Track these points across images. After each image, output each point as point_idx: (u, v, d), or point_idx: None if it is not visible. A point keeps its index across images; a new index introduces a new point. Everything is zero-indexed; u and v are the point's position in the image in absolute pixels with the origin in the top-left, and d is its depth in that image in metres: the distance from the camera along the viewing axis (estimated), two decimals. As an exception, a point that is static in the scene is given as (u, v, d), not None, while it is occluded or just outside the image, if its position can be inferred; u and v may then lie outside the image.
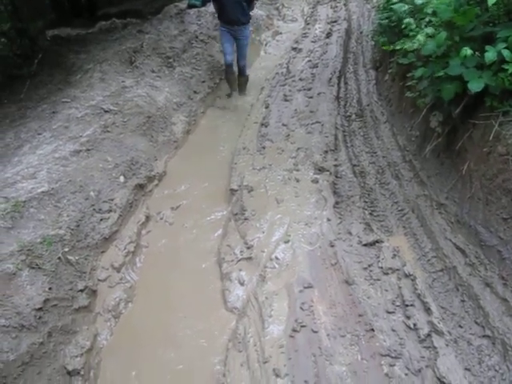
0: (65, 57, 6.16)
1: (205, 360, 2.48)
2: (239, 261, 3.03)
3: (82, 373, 2.38)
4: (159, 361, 2.53)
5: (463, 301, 2.52)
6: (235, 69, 5.94)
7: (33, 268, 2.57)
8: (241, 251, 3.09)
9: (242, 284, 2.87)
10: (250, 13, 5.83)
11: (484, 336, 2.29)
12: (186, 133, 5.07)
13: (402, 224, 3.32)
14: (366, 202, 3.60)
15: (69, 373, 2.34)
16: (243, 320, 2.59)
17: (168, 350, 2.58)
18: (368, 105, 5.23)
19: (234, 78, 5.94)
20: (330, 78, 5.84)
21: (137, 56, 6.00)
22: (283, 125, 4.77)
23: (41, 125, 4.57)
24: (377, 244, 3.03)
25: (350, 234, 3.13)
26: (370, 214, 3.45)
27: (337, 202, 3.49)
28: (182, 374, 2.43)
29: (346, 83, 5.90)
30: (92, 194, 3.48)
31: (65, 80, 5.66)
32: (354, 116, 5.08)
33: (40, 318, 2.36)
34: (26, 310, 2.32)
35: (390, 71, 4.80)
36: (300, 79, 5.97)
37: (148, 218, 3.69)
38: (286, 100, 5.39)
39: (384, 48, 4.74)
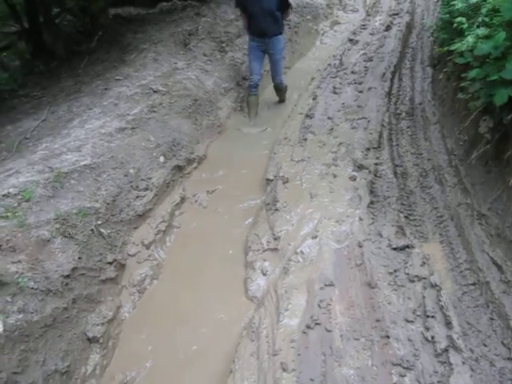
0: (123, 36, 6.34)
1: (218, 344, 2.52)
2: (265, 251, 3.03)
3: (101, 341, 2.49)
4: (175, 339, 2.59)
5: (492, 319, 2.39)
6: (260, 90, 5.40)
7: (66, 237, 2.70)
8: (267, 241, 3.09)
9: (264, 274, 2.87)
10: (284, 21, 5.32)
11: (509, 359, 2.16)
12: (230, 118, 5.11)
13: (438, 231, 3.17)
14: (403, 204, 3.47)
15: (88, 339, 2.46)
16: (260, 310, 2.60)
17: (185, 330, 2.64)
18: (420, 103, 5.01)
19: (256, 102, 5.25)
20: (384, 73, 5.64)
21: (191, 39, 6.08)
22: (328, 118, 4.68)
23: (92, 100, 4.76)
24: (407, 249, 2.93)
25: (381, 235, 3.04)
26: (406, 217, 3.33)
27: (372, 202, 3.39)
28: (195, 354, 2.49)
29: (400, 79, 5.69)
30: (131, 171, 3.59)
31: (120, 58, 5.85)
32: (403, 114, 4.89)
33: (67, 284, 2.48)
34: (55, 275, 2.45)
35: (445, 70, 4.56)
36: (352, 72, 5.81)
37: (183, 199, 3.76)
38: (335, 93, 5.28)
39: (438, 50, 4.52)
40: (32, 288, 2.29)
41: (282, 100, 5.63)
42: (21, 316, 2.13)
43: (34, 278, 2.34)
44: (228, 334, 2.58)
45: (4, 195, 2.85)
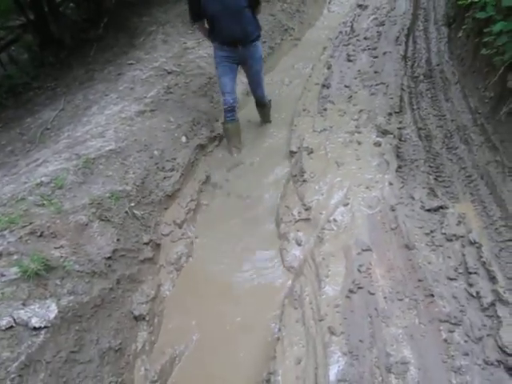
0: (129, 20, 6.28)
1: (261, 314, 2.55)
2: (297, 222, 3.05)
3: (147, 318, 2.54)
4: (218, 312, 2.64)
5: (532, 273, 2.38)
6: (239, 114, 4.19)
7: (102, 220, 2.73)
8: (299, 212, 3.09)
9: (299, 244, 2.89)
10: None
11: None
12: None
13: (469, 191, 3.15)
14: (430, 166, 3.44)
15: (135, 318, 2.51)
16: (300, 279, 2.63)
17: (226, 303, 2.68)
18: (438, 65, 4.91)
19: (237, 130, 4.08)
20: (398, 37, 5.53)
21: (198, 17, 5.99)
22: (345, 86, 4.62)
23: (107, 86, 4.75)
24: (441, 210, 2.91)
25: (413, 198, 3.02)
26: (435, 179, 3.30)
27: (399, 166, 3.37)
28: (239, 325, 2.53)
29: (414, 42, 5.57)
30: (156, 152, 3.60)
31: (129, 43, 5.80)
32: (421, 77, 4.80)
33: (109, 266, 2.53)
34: (97, 258, 2.49)
35: (464, 27, 4.45)
36: (365, 38, 5.71)
37: (208, 177, 3.77)
38: (350, 60, 5.20)
39: (459, 4, 4.38)
40: (78, 271, 2.33)
41: (266, 120, 4.47)
42: (72, 298, 2.18)
43: (79, 261, 2.39)
44: (269, 304, 2.61)
45: (37, 184, 2.89)
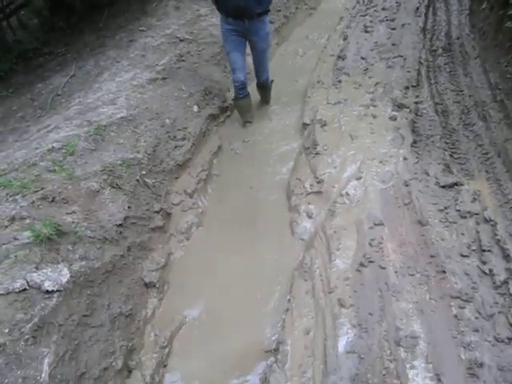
0: (141, -16, 6.12)
1: (270, 285, 2.55)
2: (308, 194, 3.01)
3: (157, 286, 2.56)
4: (227, 283, 2.64)
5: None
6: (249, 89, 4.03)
7: (114, 187, 2.73)
8: (311, 185, 3.06)
9: (310, 217, 2.87)
10: None
11: None
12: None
13: (484, 168, 3.09)
14: (446, 142, 3.38)
15: (146, 284, 2.53)
16: (310, 251, 2.62)
17: (235, 274, 2.68)
18: (458, 38, 4.76)
19: (249, 105, 4.01)
20: (417, 8, 5.35)
21: (212, -17, 5.82)
22: (362, 58, 4.51)
23: (119, 53, 4.68)
24: (455, 187, 2.87)
25: (427, 174, 2.97)
26: (451, 155, 3.24)
27: (415, 141, 3.31)
28: (249, 296, 2.54)
29: (434, 14, 5.39)
30: (167, 121, 3.56)
31: (141, 9, 5.68)
32: (440, 50, 4.66)
33: (121, 233, 2.53)
34: (109, 224, 2.49)
35: (488, -1, 4.29)
36: (383, 9, 5.53)
37: (220, 147, 3.74)
38: (367, 31, 5.05)
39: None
40: (89, 237, 2.34)
41: (266, 101, 4.31)
42: (83, 263, 2.19)
43: (90, 227, 2.39)
44: (278, 276, 2.60)
45: (49, 150, 2.87)
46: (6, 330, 1.78)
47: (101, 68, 4.49)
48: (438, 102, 3.87)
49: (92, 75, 4.41)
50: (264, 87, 4.14)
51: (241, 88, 3.77)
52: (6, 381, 1.68)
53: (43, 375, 1.79)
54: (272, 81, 4.16)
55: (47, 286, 1.99)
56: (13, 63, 5.44)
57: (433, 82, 4.17)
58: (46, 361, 1.82)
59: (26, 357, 1.78)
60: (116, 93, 3.75)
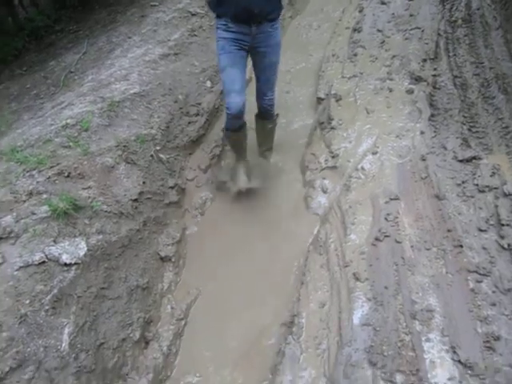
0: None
1: (285, 259, 2.57)
2: (323, 169, 2.99)
3: (172, 260, 2.59)
4: (242, 257, 2.66)
5: None
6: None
7: (128, 163, 2.73)
8: (325, 160, 3.03)
9: (324, 192, 2.85)
10: None
11: None
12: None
13: (504, 142, 3.01)
14: (465, 116, 3.29)
15: (161, 259, 2.56)
16: (325, 226, 2.61)
17: (250, 249, 2.70)
18: (478, 9, 4.59)
19: (245, 139, 3.07)
20: (436, -23, 5.15)
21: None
22: (378, 30, 4.38)
23: (130, 29, 4.63)
24: (474, 161, 2.81)
25: (445, 148, 2.91)
26: (469, 129, 3.17)
27: (432, 115, 3.23)
28: (263, 270, 2.55)
29: (454, -17, 5.19)
30: (180, 97, 3.53)
31: (152, -17, 5.58)
32: (459, 21, 4.50)
33: (136, 208, 2.55)
34: (124, 199, 2.51)
35: (511, -35, 4.10)
36: (400, -21, 5.34)
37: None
38: (383, 3, 4.89)
39: None
40: (105, 211, 2.36)
41: (268, 144, 3.29)
42: (100, 237, 2.22)
43: (106, 202, 2.41)
44: (293, 250, 2.62)
45: (63, 126, 2.88)
46: (27, 301, 1.82)
47: (113, 44, 4.45)
48: (457, 74, 3.76)
49: (104, 52, 4.37)
50: (267, 116, 3.09)
51: (238, 116, 2.78)
52: (29, 349, 1.72)
53: (64, 345, 1.83)
54: (277, 114, 3.18)
55: (65, 258, 2.03)
56: (25, 41, 5.42)
57: (451, 54, 4.04)
58: (66, 331, 1.86)
59: (47, 327, 1.83)
60: (128, 69, 3.73)
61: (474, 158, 2.81)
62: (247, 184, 2.94)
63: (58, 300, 1.91)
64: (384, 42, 4.18)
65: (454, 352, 1.82)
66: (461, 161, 2.80)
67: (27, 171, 2.45)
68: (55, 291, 1.92)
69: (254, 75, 3.05)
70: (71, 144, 2.71)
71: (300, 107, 3.83)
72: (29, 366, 1.68)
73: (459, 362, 1.78)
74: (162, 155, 2.99)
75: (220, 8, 2.62)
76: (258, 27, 2.62)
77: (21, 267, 1.93)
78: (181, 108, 3.44)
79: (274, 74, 2.94)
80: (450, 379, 1.73)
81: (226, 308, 2.38)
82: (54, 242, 2.07)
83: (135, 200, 2.56)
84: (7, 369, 1.62)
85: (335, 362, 1.89)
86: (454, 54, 4.05)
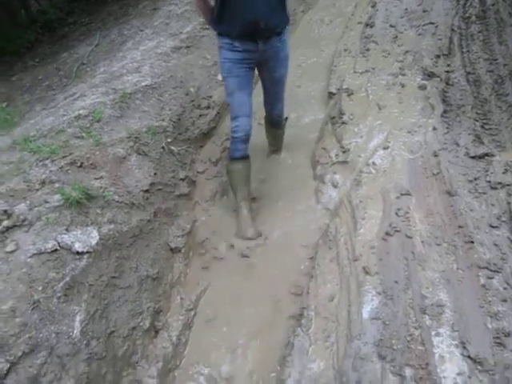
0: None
1: (295, 252, 2.56)
2: (334, 164, 2.98)
3: (182, 251, 2.60)
4: (250, 250, 2.66)
5: None
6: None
7: (140, 154, 2.75)
8: (336, 155, 3.02)
9: (335, 186, 2.85)
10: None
11: None
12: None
13: (517, 139, 2.99)
14: (478, 113, 3.27)
15: (172, 250, 2.58)
16: (335, 220, 2.60)
17: (259, 243, 2.69)
18: (493, 4, 4.54)
19: (248, 172, 2.83)
20: (450, -27, 5.09)
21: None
22: (391, 26, 4.36)
23: (142, 22, 4.65)
24: (486, 157, 2.78)
25: (457, 144, 2.89)
26: (482, 126, 3.15)
27: (445, 111, 3.21)
28: (272, 262, 2.56)
29: (468, -22, 5.13)
30: (192, 90, 3.54)
31: (164, -24, 5.58)
32: (474, 17, 4.46)
33: (147, 198, 2.57)
34: (135, 190, 2.53)
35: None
36: (414, -26, 5.29)
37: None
38: (396, -2, 4.86)
39: None
40: (117, 201, 2.38)
41: (277, 146, 3.33)
42: (112, 226, 2.24)
43: (118, 192, 2.43)
44: (303, 243, 2.61)
45: (75, 117, 2.90)
46: (40, 288, 1.85)
47: (125, 37, 4.48)
48: (470, 71, 3.73)
49: (116, 44, 4.40)
50: (277, 125, 3.11)
51: (243, 140, 2.66)
52: (41, 335, 1.74)
53: (75, 331, 1.85)
54: (286, 118, 3.19)
55: (77, 247, 2.05)
56: (38, 33, 5.47)
57: (465, 50, 4.01)
58: (78, 318, 1.88)
59: (59, 314, 1.85)
60: (140, 61, 3.75)
61: (487, 154, 2.79)
62: (254, 234, 2.71)
63: (69, 288, 1.93)
64: (397, 37, 4.15)
65: (464, 347, 1.81)
66: (473, 157, 2.78)
67: (40, 161, 2.47)
68: (67, 279, 1.94)
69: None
70: (83, 134, 2.74)
71: (311, 102, 3.82)
72: (41, 351, 1.70)
73: (469, 357, 1.77)
74: (173, 147, 3.00)
75: (223, 26, 2.45)
76: (265, 43, 2.48)
77: (34, 254, 1.95)
78: (192, 101, 3.46)
79: (282, 87, 2.85)
80: (459, 374, 1.73)
81: (236, 300, 2.39)
82: (67, 230, 2.09)
83: (146, 191, 2.58)
84: (20, 353, 1.65)
85: (344, 354, 1.89)
86: (468, 51, 4.02)
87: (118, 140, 2.75)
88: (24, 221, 2.06)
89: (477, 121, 3.17)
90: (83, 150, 2.57)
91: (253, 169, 2.85)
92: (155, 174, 2.70)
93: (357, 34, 4.40)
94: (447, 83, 3.51)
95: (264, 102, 2.96)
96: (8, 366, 1.59)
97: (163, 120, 3.10)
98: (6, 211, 2.08)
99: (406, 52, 3.88)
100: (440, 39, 3.99)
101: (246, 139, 2.67)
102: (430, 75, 3.54)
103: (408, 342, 1.86)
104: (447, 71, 3.63)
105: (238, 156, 2.71)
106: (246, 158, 2.76)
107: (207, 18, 2.59)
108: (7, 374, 1.58)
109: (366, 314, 1.99)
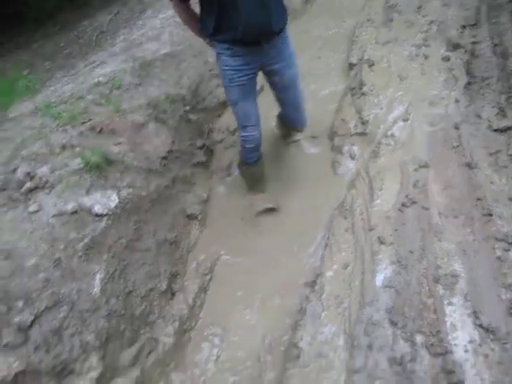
0: None
1: (310, 224, 2.58)
2: (352, 135, 2.95)
3: (199, 218, 2.65)
4: (266, 217, 2.68)
5: None
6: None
7: (158, 121, 2.77)
8: (355, 126, 2.99)
9: (352, 158, 2.83)
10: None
11: None
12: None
13: (543, 114, 2.90)
14: (503, 86, 3.16)
15: (188, 216, 2.62)
16: (351, 191, 2.60)
17: (275, 213, 2.72)
18: (525, -27, 4.34)
19: (263, 171, 2.84)
20: None
21: None
22: (415, -5, 4.21)
23: (162, -11, 4.58)
24: (509, 131, 2.72)
25: (480, 117, 2.83)
26: (506, 99, 3.05)
27: (469, 83, 3.12)
28: (286, 228, 2.58)
29: None
30: (210, 59, 3.51)
31: None
32: (504, -13, 4.28)
33: (165, 165, 2.60)
34: (153, 156, 2.56)
35: None
36: None
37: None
38: (423, -34, 4.68)
39: None
40: (136, 166, 2.42)
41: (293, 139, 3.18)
42: (130, 190, 2.28)
43: (136, 157, 2.47)
44: (318, 214, 2.62)
45: (95, 84, 2.93)
46: (62, 247, 1.91)
47: (144, 5, 4.45)
48: (497, 42, 3.60)
49: (136, 12, 4.38)
50: (299, 130, 2.94)
51: (255, 149, 2.62)
52: (63, 291, 1.81)
53: (95, 289, 1.92)
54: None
55: (97, 209, 2.10)
56: (59, 1, 5.45)
57: (493, 21, 3.86)
58: (98, 276, 1.95)
59: (80, 272, 1.92)
60: (160, 29, 3.73)
61: (510, 128, 2.72)
62: (270, 203, 2.73)
63: (90, 248, 1.99)
64: (421, 7, 4.02)
65: (476, 317, 1.82)
66: (496, 130, 2.72)
67: (60, 126, 2.52)
68: (87, 239, 2.00)
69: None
70: (103, 101, 2.77)
71: (332, 73, 3.75)
72: (63, 306, 1.78)
73: (480, 326, 1.78)
74: (191, 116, 3.01)
75: (220, 34, 2.20)
76: (268, 42, 2.26)
77: (55, 215, 2.01)
78: (210, 70, 3.44)
79: (298, 90, 2.57)
80: (470, 342, 1.74)
81: (250, 266, 2.43)
82: (87, 193, 2.15)
83: (164, 158, 2.61)
84: (43, 307, 1.72)
85: (356, 320, 1.92)
86: (496, 22, 3.87)
87: (137, 107, 2.77)
88: (46, 183, 2.12)
89: (501, 93, 3.07)
90: (103, 117, 2.60)
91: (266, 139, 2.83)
92: (173, 141, 2.73)
93: (380, 3, 4.27)
94: (472, 55, 3.40)
95: (284, 118, 2.84)
96: (32, 318, 1.67)
97: (181, 88, 3.10)
98: (29, 173, 2.14)
99: (431, 22, 3.76)
100: (467, 9, 3.85)
101: (257, 147, 2.63)
102: (455, 46, 3.44)
103: (420, 310, 1.87)
104: (473, 42, 3.51)
105: (251, 162, 2.70)
106: (258, 161, 2.73)
107: (195, 28, 2.38)
108: (31, 326, 1.66)
109: (379, 282, 2.01)
